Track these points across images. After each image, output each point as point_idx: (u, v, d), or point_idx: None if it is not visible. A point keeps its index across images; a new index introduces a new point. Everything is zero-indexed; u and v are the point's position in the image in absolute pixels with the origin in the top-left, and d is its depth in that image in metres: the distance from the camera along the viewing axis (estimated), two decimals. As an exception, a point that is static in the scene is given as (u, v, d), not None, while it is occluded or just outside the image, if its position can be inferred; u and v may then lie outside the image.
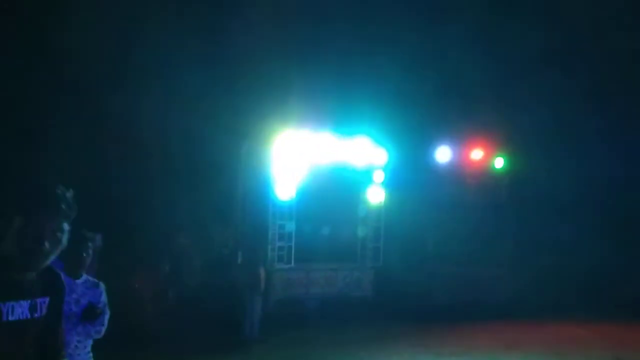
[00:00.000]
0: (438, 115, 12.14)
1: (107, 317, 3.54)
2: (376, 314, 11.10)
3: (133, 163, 9.13)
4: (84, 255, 3.48)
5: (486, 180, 13.82)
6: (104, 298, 3.56)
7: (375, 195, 12.60)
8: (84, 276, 3.55)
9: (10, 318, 1.86)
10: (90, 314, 3.43)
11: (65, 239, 1.94)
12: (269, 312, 9.63)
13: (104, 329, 3.52)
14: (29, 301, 1.92)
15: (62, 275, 2.58)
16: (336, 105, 10.62)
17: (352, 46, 10.84)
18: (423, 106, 11.37)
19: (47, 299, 2.01)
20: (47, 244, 1.87)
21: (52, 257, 1.95)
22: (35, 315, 1.95)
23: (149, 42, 8.99)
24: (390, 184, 12.58)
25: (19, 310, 1.89)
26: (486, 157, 13.91)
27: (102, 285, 3.61)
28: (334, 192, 11.42)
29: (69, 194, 1.95)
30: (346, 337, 9.46)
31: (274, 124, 10.39)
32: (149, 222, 8.82)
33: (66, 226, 1.94)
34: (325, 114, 10.88)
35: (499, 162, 14.02)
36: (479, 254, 13.00)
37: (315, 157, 11.30)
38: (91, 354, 3.56)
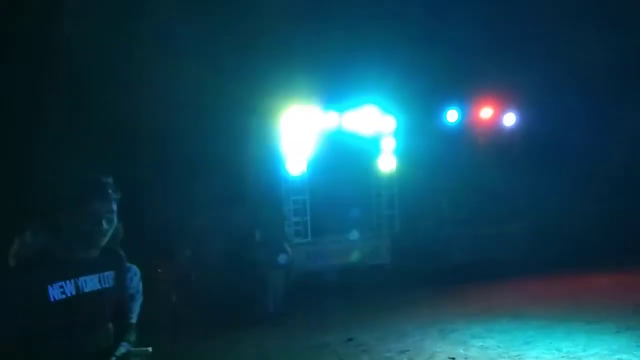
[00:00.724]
0: (444, 77, 11.98)
1: (138, 304, 3.44)
2: (395, 280, 11.21)
3: (145, 148, 9.17)
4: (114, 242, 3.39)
5: (497, 138, 13.72)
6: (135, 283, 3.45)
7: (387, 163, 12.61)
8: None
9: (85, 290, 2.26)
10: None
11: (116, 218, 2.31)
12: (291, 286, 9.78)
13: (134, 317, 3.43)
14: (97, 274, 2.33)
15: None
16: (342, 76, 10.52)
17: (355, 13, 10.66)
18: (428, 69, 11.21)
19: (112, 273, 2.40)
20: (104, 224, 2.25)
21: (109, 235, 2.31)
22: (105, 286, 2.35)
23: (158, 18, 8.92)
24: (401, 151, 12.56)
25: (91, 283, 2.29)
26: (495, 115, 13.78)
27: (134, 269, 3.48)
28: (346, 163, 11.43)
29: (111, 180, 2.33)
30: (367, 305, 9.60)
31: (281, 99, 10.35)
32: (166, 207, 8.91)
33: (115, 207, 2.31)
34: (331, 86, 10.79)
35: (508, 119, 13.89)
36: (494, 213, 13.00)
37: (324, 130, 11.28)
38: None
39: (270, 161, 10.83)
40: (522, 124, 13.85)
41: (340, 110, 11.44)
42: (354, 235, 11.86)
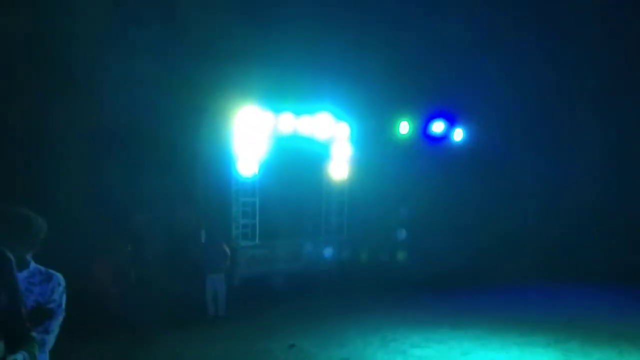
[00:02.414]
0: (399, 89, 12.20)
1: (57, 321, 2.76)
2: (341, 287, 11.25)
3: (88, 142, 8.83)
4: (25, 240, 2.66)
5: (446, 151, 14.09)
6: (57, 296, 2.76)
7: (339, 170, 12.66)
8: (32, 266, 2.75)
9: None
10: (36, 316, 2.62)
11: None
12: (235, 289, 9.63)
13: (51, 338, 2.72)
14: None
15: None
16: (297, 81, 10.51)
17: (312, 23, 10.68)
18: (384, 80, 11.39)
19: None
20: None
21: None
22: None
23: (109, 21, 8.64)
24: (354, 158, 12.66)
25: None
26: (445, 130, 14.15)
27: (56, 279, 2.79)
28: (297, 167, 11.39)
29: None
30: (311, 311, 9.57)
31: (234, 100, 10.21)
32: (106, 202, 8.59)
33: None
34: (286, 90, 10.75)
35: (457, 134, 14.30)
36: (443, 224, 13.30)
37: (277, 133, 11.21)
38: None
39: (221, 162, 10.65)
40: (469, 139, 14.29)
41: (295, 114, 11.41)
42: (302, 240, 11.83)
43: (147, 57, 8.59)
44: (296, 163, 11.34)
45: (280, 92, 10.73)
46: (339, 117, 12.15)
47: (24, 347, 2.12)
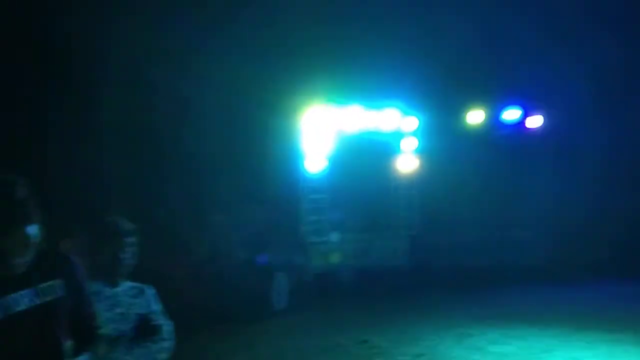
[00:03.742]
0: (468, 77, 11.80)
1: (169, 328, 2.79)
2: (412, 282, 11.08)
3: (164, 144, 9.23)
4: (120, 255, 2.67)
5: (522, 140, 13.46)
6: (155, 306, 2.78)
7: (407, 163, 12.47)
8: (126, 282, 2.77)
9: (19, 308, 1.96)
10: (146, 329, 2.68)
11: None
12: (306, 285, 9.74)
13: (170, 344, 2.77)
14: (33, 288, 2.01)
15: (97, 284, 2.56)
16: (364, 75, 10.44)
17: (377, 15, 10.57)
18: (453, 69, 11.06)
19: (56, 281, 2.08)
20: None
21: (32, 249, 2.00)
22: (48, 298, 2.04)
23: (181, 17, 8.97)
24: (422, 151, 12.41)
25: (26, 299, 1.98)
26: (520, 117, 13.52)
27: (149, 291, 2.80)
28: (366, 162, 11.33)
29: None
30: (382, 307, 9.50)
31: (303, 97, 10.30)
32: (185, 203, 8.97)
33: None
34: (353, 85, 10.71)
35: (533, 121, 13.61)
36: (517, 216, 12.76)
37: (345, 129, 11.21)
38: None
39: (290, 159, 10.79)
40: (547, 126, 13.57)
41: (362, 109, 11.35)
42: (372, 235, 11.76)
43: (218, 58, 8.84)
44: (364, 158, 11.28)
45: (348, 87, 10.70)
46: (406, 110, 11.96)
47: (90, 348, 2.20)
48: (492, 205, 12.84)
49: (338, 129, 11.12)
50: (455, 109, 12.62)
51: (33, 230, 1.99)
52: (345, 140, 11.17)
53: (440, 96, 11.71)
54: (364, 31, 10.29)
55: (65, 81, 8.69)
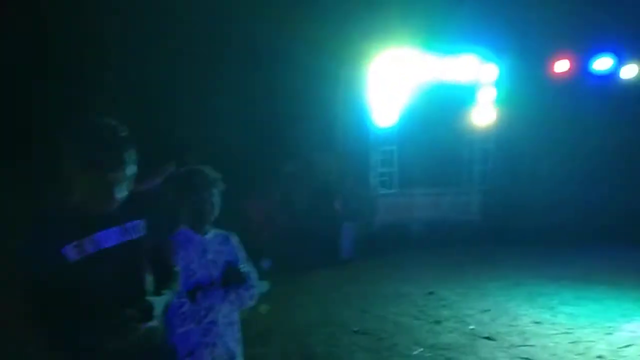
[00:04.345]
0: (555, 21, 10.88)
1: (254, 275, 2.84)
2: (483, 238, 10.83)
3: (236, 96, 9.39)
4: (208, 203, 2.71)
5: (613, 93, 12.41)
6: (240, 253, 2.84)
7: (484, 115, 11.95)
8: (212, 230, 2.82)
9: (107, 245, 2.13)
10: (233, 274, 2.75)
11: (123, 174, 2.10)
12: (373, 235, 9.79)
13: (256, 291, 2.82)
14: (120, 227, 2.19)
15: (187, 231, 2.71)
16: (439, 19, 9.90)
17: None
18: (537, 11, 10.22)
19: (140, 222, 2.26)
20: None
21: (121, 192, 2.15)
22: (132, 237, 2.22)
23: None
24: (501, 102, 11.81)
25: (113, 237, 2.15)
26: (612, 67, 12.42)
27: (233, 238, 2.87)
28: (439, 113, 10.92)
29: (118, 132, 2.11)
30: (451, 261, 9.39)
31: (373, 44, 10.00)
32: (259, 152, 9.20)
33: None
34: (427, 29, 10.20)
35: (627, 72, 12.47)
36: (601, 176, 11.95)
37: (418, 77, 10.83)
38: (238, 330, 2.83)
39: (360, 109, 10.64)
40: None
41: (437, 55, 10.87)
42: (442, 189, 11.51)
43: (283, 5, 8.72)
44: (438, 109, 10.87)
45: (421, 32, 10.22)
46: (485, 57, 11.33)
47: (169, 284, 2.35)
48: (576, 162, 12.08)
49: (412, 78, 10.77)
50: (539, 57, 11.77)
51: (131, 170, 2.13)
52: (419, 89, 10.82)
53: (523, 42, 10.92)
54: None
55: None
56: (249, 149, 9.18)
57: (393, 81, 10.58)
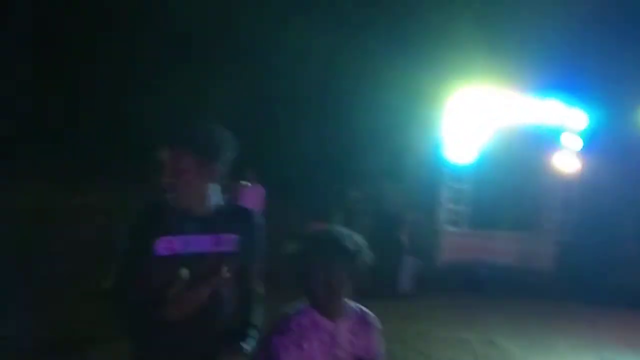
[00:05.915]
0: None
1: None
2: (555, 290, 10.20)
3: (308, 122, 9.63)
4: (334, 275, 1.98)
5: None
6: (379, 347, 2.10)
7: (567, 163, 11.42)
8: (351, 309, 2.09)
9: (194, 249, 2.06)
10: None
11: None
12: (437, 274, 9.53)
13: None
14: (213, 235, 2.11)
15: (313, 313, 2.03)
16: (523, 61, 9.67)
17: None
18: (628, 59, 9.71)
19: (235, 236, 2.15)
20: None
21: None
22: (222, 249, 2.12)
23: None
24: (587, 151, 11.24)
25: (203, 243, 2.08)
26: None
27: (374, 321, 2.13)
28: (520, 156, 10.58)
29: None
30: (514, 309, 8.91)
31: (452, 81, 9.93)
32: (323, 177, 9.33)
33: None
34: (512, 70, 9.99)
35: None
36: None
37: (500, 117, 10.57)
38: None
39: (433, 145, 10.52)
40: None
41: (522, 96, 10.57)
42: (517, 233, 11.04)
43: (366, 44, 8.90)
44: (519, 151, 10.54)
45: (504, 73, 10.02)
46: (572, 103, 10.87)
47: (250, 317, 2.25)
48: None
49: (493, 117, 10.53)
50: (628, 107, 11.14)
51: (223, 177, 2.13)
52: (501, 129, 10.54)
53: (612, 91, 10.39)
54: (524, 7, 9.44)
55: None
56: (319, 172, 9.34)
57: (473, 119, 10.39)
